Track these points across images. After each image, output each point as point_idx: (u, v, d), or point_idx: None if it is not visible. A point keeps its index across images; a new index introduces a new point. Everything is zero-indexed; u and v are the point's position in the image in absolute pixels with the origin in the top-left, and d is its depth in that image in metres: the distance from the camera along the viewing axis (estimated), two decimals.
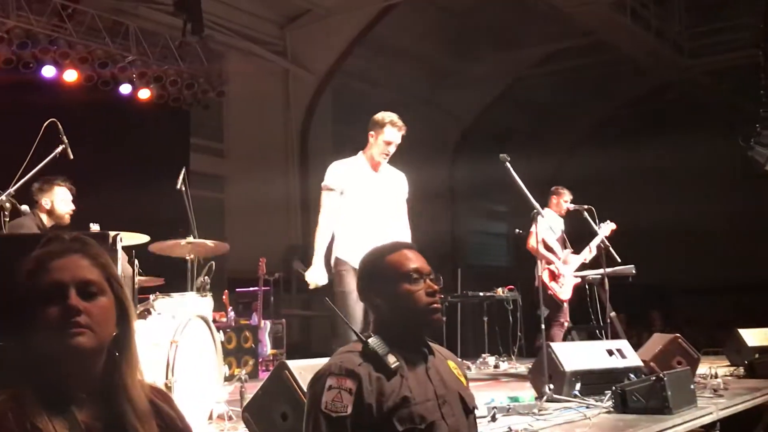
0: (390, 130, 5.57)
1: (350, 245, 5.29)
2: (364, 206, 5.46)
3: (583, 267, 8.13)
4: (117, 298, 1.64)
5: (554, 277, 7.94)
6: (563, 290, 7.92)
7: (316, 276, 5.52)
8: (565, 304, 7.93)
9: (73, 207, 5.83)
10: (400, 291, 2.39)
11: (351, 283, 5.14)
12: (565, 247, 8.13)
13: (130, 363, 1.66)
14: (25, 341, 1.55)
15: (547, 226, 7.72)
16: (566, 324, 7.94)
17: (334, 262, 5.45)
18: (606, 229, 7.74)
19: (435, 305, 2.41)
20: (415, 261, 2.44)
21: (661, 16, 15.19)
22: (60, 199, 5.79)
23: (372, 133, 5.66)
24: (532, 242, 7.47)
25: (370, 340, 2.30)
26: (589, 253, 7.95)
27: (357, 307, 4.96)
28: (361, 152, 5.74)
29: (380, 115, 5.69)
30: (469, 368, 8.87)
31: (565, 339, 7.88)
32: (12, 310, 1.57)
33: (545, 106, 19.25)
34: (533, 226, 7.65)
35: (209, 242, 6.07)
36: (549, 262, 7.92)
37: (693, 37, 15.97)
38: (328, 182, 5.66)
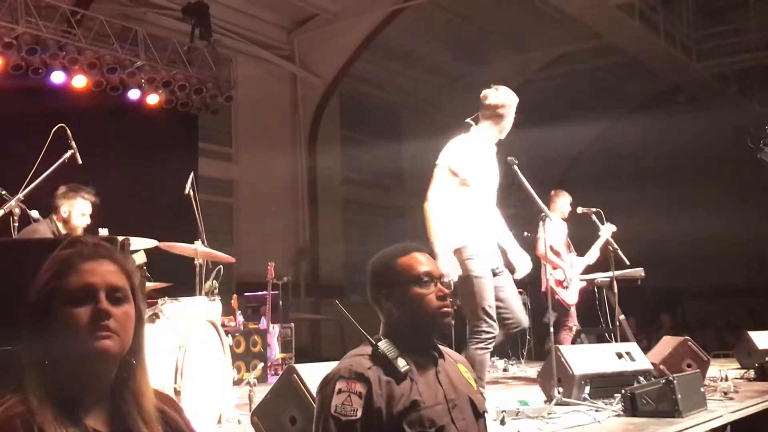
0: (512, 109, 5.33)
1: (476, 230, 4.97)
2: (486, 190, 5.16)
3: (590, 270, 8.11)
4: (136, 307, 1.65)
5: (560, 281, 7.93)
6: (570, 294, 7.90)
7: (453, 267, 4.87)
8: (573, 308, 7.91)
9: (89, 221, 5.78)
10: (411, 294, 2.39)
11: (485, 268, 4.88)
12: (570, 251, 8.11)
13: (144, 370, 1.67)
14: (43, 342, 1.55)
15: (554, 230, 7.73)
16: (575, 328, 7.91)
17: (458, 249, 4.87)
18: (607, 231, 7.71)
19: (446, 309, 2.41)
20: (426, 264, 2.44)
21: (670, 19, 15.16)
22: (79, 212, 5.73)
23: (489, 112, 5.22)
24: (540, 248, 7.52)
25: (380, 344, 2.29)
26: (592, 255, 7.93)
27: (491, 290, 4.82)
28: (474, 130, 5.20)
29: (496, 92, 5.25)
30: None
31: (574, 342, 7.86)
32: (31, 311, 1.56)
33: (554, 109, 19.22)
34: (541, 231, 7.73)
35: (217, 253, 6.08)
36: (556, 267, 7.90)
37: (701, 40, 15.92)
38: (454, 166, 5.04)
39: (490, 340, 4.74)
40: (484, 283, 4.81)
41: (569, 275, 7.89)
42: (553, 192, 8.18)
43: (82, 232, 5.66)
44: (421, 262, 2.43)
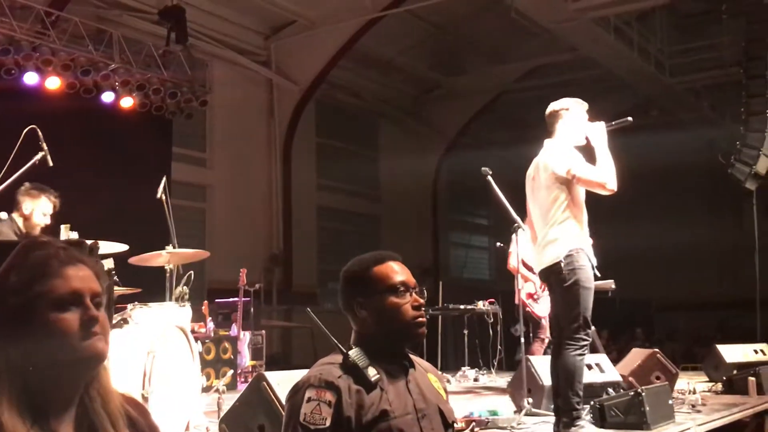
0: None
1: (584, 233, 4.85)
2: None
3: None
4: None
5: (531, 294, 7.98)
6: (541, 307, 7.94)
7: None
8: (544, 320, 7.93)
9: (49, 222, 5.73)
10: (387, 304, 2.37)
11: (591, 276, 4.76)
12: None
13: (107, 372, 1.66)
14: (24, 348, 1.51)
15: (527, 243, 7.79)
16: (546, 339, 7.95)
17: (569, 253, 4.66)
18: None
19: (420, 319, 2.40)
20: (401, 273, 2.43)
21: (644, 34, 15.34)
22: (41, 212, 5.69)
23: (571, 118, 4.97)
24: (512, 262, 7.63)
25: (350, 352, 2.28)
26: None
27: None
28: (562, 138, 4.93)
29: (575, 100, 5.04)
30: (448, 381, 8.86)
31: (545, 353, 7.89)
32: (9, 315, 1.52)
33: (529, 121, 19.33)
34: (513, 243, 7.83)
35: (189, 250, 6.04)
36: (527, 280, 7.96)
37: (675, 55, 16.13)
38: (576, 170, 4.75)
39: (587, 347, 4.71)
40: (590, 293, 4.73)
41: (540, 288, 7.92)
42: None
43: (39, 231, 5.60)
44: (396, 272, 2.42)
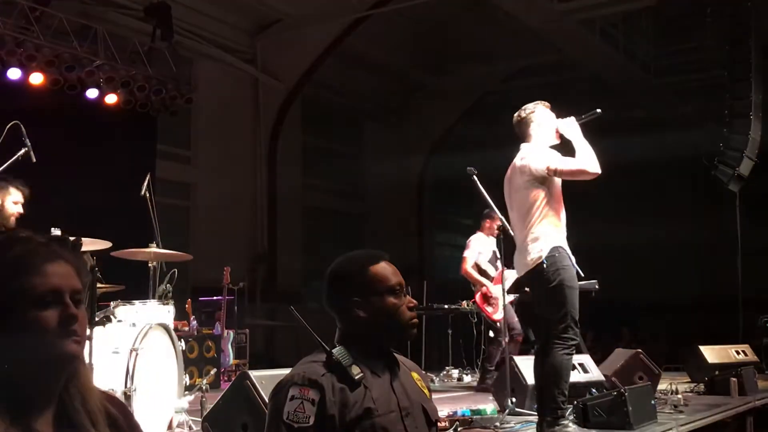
0: None
1: (563, 232, 4.86)
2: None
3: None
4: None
5: (486, 299, 8.06)
6: (497, 311, 8.00)
7: None
8: (499, 324, 7.97)
9: (21, 211, 5.68)
10: (386, 304, 2.37)
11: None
12: (496, 267, 8.25)
13: (86, 368, 1.65)
14: (2, 345, 1.50)
15: (481, 248, 8.16)
16: (504, 343, 7.97)
17: (551, 253, 4.68)
18: None
19: (415, 320, 2.43)
20: (396, 274, 2.45)
21: (630, 36, 15.41)
22: (12, 201, 5.65)
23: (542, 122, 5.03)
24: (466, 266, 8.10)
25: (334, 351, 2.28)
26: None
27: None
28: (538, 140, 4.97)
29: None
30: (432, 380, 8.87)
31: (528, 353, 7.92)
32: None
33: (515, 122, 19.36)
34: (466, 250, 7.99)
35: (172, 252, 6.02)
36: (481, 285, 8.07)
37: (660, 57, 16.20)
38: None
39: (575, 347, 4.75)
40: (576, 293, 4.75)
41: (493, 292, 7.98)
42: (485, 212, 8.21)
43: (14, 222, 5.55)
44: (393, 272, 2.43)
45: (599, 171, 4.79)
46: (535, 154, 4.82)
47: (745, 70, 11.24)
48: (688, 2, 14.44)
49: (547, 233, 4.72)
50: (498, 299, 7.98)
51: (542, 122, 4.98)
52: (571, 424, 4.62)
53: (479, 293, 8.13)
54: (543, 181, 4.75)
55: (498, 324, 7.94)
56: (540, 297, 4.78)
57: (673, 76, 16.14)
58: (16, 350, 1.50)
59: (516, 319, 7.97)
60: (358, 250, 2.53)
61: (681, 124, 17.58)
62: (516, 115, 5.05)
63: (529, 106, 5.04)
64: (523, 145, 4.97)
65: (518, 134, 5.02)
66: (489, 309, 8.05)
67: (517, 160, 4.91)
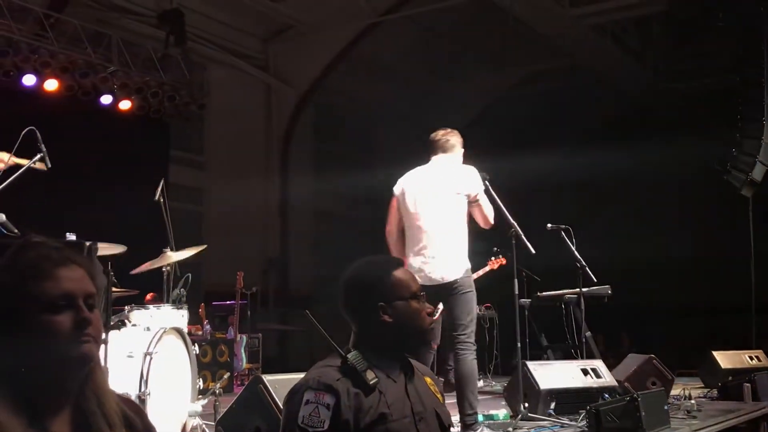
0: None
1: None
2: None
3: (560, 287, 8.23)
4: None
5: None
6: None
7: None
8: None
9: None
10: (411, 310, 2.40)
11: None
12: None
13: (102, 370, 1.68)
14: (15, 349, 1.52)
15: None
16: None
17: (468, 268, 5.14)
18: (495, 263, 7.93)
19: (432, 326, 2.46)
20: (416, 280, 2.48)
21: (641, 40, 15.39)
22: None
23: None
24: None
25: (349, 355, 2.28)
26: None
27: None
28: (455, 157, 5.45)
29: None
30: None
31: (540, 358, 7.92)
32: (2, 316, 1.53)
33: (525, 127, 19.35)
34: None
35: (187, 251, 6.05)
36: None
37: (671, 62, 16.17)
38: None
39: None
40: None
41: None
42: None
43: None
44: (412, 277, 2.46)
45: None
46: (472, 175, 5.23)
47: (758, 74, 11.19)
48: (700, 7, 14.41)
49: (465, 250, 5.15)
50: None
51: (460, 147, 5.48)
52: (486, 428, 4.94)
53: None
54: (469, 201, 5.16)
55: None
56: (454, 305, 5.00)
57: (684, 81, 16.09)
58: (31, 354, 1.52)
59: None
60: (374, 256, 2.55)
61: (693, 129, 17.52)
62: (438, 133, 5.52)
63: (450, 130, 5.58)
64: (442, 158, 5.38)
65: (436, 146, 5.42)
66: None
67: (439, 171, 5.29)
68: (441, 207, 5.13)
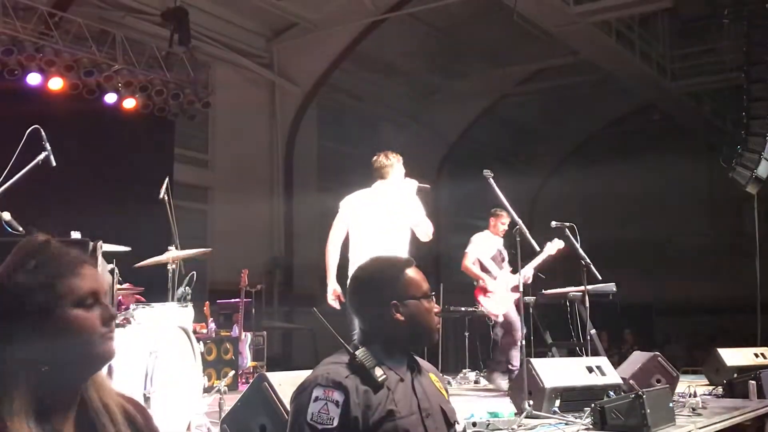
0: None
1: None
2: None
3: (562, 283, 8.24)
4: None
5: (483, 291, 8.13)
6: (494, 304, 8.08)
7: None
8: (507, 321, 8.08)
9: None
10: (423, 309, 2.42)
11: None
12: (502, 267, 8.29)
13: (103, 373, 1.68)
14: (40, 345, 1.52)
15: (484, 245, 8.40)
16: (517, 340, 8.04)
17: None
18: (552, 247, 7.83)
19: (439, 325, 2.47)
20: (425, 280, 2.49)
21: (646, 38, 15.36)
22: None
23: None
24: (466, 262, 8.34)
25: (357, 353, 2.29)
26: (526, 275, 8.04)
27: None
28: (393, 181, 6.15)
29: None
30: (449, 383, 8.87)
31: (545, 355, 7.92)
32: (32, 313, 1.53)
33: (529, 124, 19.35)
34: (468, 246, 8.43)
35: (191, 251, 6.05)
36: (479, 279, 8.16)
37: (676, 59, 16.15)
38: None
39: None
40: None
41: (492, 287, 8.06)
42: (492, 210, 8.38)
43: None
44: (422, 277, 2.48)
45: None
46: (411, 203, 5.98)
47: (763, 71, 11.16)
48: (705, 4, 14.39)
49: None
50: (495, 294, 8.08)
51: (399, 171, 6.15)
52: None
53: (478, 287, 8.30)
54: (411, 225, 5.95)
55: (495, 319, 8.11)
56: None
57: (689, 78, 16.08)
58: (60, 350, 1.53)
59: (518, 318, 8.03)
60: (384, 255, 2.57)
61: (698, 125, 17.51)
62: (381, 159, 6.13)
63: (392, 155, 6.17)
64: (382, 183, 6.08)
65: (378, 171, 6.11)
66: (486, 301, 8.15)
67: (385, 195, 6.00)
68: (386, 233, 5.81)
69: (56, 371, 1.53)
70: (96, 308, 1.58)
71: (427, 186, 6.17)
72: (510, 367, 8.08)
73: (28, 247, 1.61)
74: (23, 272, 1.55)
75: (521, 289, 6.41)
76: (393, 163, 6.09)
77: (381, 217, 5.89)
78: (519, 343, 7.45)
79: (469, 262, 8.36)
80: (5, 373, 1.50)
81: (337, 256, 6.03)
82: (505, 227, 8.26)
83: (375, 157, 6.18)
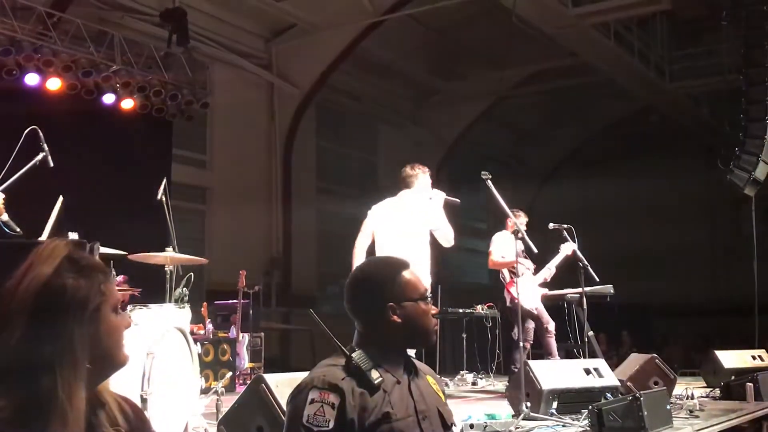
0: None
1: None
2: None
3: (559, 286, 8.24)
4: None
5: (513, 281, 8.14)
6: (527, 300, 8.04)
7: None
8: (536, 311, 8.08)
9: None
10: (420, 311, 2.42)
11: None
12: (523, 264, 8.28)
13: None
14: (87, 348, 1.53)
15: (502, 246, 8.33)
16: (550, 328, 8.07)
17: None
18: (568, 247, 7.83)
19: (437, 327, 2.47)
20: (422, 281, 2.49)
21: (644, 40, 15.37)
22: None
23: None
24: (493, 258, 8.28)
25: (353, 355, 2.28)
26: (548, 272, 8.10)
27: None
28: (418, 191, 6.43)
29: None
30: (447, 385, 8.86)
31: (543, 357, 7.92)
32: (83, 315, 1.54)
33: (528, 126, 19.38)
34: (491, 246, 8.33)
35: (188, 256, 6.05)
36: (514, 265, 8.12)
37: (675, 61, 16.16)
38: None
39: None
40: None
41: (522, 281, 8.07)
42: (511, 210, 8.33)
43: None
44: (419, 279, 2.47)
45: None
46: (434, 211, 6.22)
47: (761, 73, 11.18)
48: (703, 6, 14.39)
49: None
50: (526, 289, 8.04)
51: (425, 181, 6.45)
52: None
53: (510, 281, 8.18)
54: (431, 230, 6.24)
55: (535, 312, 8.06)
56: None
57: (688, 80, 16.10)
58: (101, 351, 1.56)
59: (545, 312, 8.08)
60: (380, 256, 2.57)
61: (696, 127, 17.53)
62: (407, 169, 6.44)
63: (419, 166, 6.47)
64: (408, 192, 6.35)
65: (403, 181, 6.42)
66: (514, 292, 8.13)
67: (410, 203, 6.28)
68: (408, 237, 6.06)
69: (94, 370, 1.56)
70: (122, 315, 1.62)
71: (457, 200, 6.45)
72: (548, 356, 8.09)
73: (62, 248, 1.60)
74: (70, 273, 1.55)
75: (518, 291, 6.41)
76: (417, 174, 6.41)
77: (403, 223, 6.17)
78: (552, 333, 8.04)
79: (498, 257, 8.29)
80: (41, 371, 1.49)
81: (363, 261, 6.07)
82: (524, 227, 8.22)
83: (403, 168, 6.52)
